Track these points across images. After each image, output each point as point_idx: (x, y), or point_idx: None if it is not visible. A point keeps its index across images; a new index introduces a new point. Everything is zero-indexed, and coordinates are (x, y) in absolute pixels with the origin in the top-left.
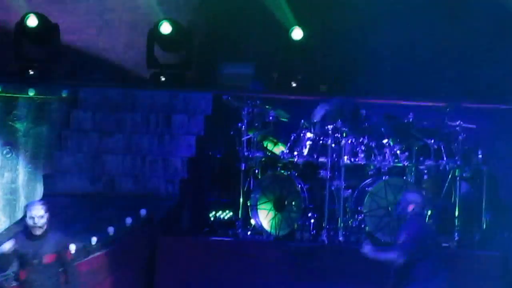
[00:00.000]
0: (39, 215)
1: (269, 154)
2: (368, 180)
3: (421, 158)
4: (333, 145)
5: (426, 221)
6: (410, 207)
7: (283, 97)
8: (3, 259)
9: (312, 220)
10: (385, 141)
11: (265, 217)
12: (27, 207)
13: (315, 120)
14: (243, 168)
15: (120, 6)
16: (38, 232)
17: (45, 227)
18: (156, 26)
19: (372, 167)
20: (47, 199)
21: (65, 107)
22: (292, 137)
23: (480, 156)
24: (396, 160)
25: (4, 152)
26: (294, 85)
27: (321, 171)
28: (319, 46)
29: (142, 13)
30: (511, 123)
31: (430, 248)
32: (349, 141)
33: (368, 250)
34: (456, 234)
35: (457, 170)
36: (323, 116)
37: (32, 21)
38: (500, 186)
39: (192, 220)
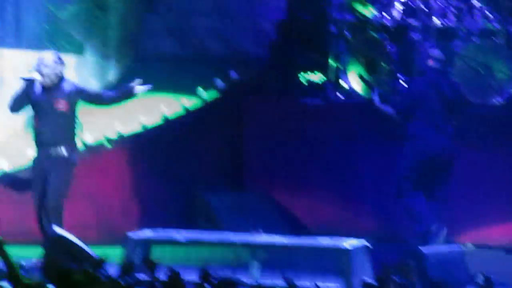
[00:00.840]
0: (44, 62)
1: (360, 16)
2: (458, 42)
3: None
4: (422, 6)
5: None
6: (430, 62)
7: None
8: (20, 96)
9: (403, 82)
10: (474, 1)
11: (355, 80)
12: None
13: None
14: (333, 31)
15: None
16: (45, 80)
17: (52, 78)
18: None
19: (462, 29)
20: (138, 63)
21: None
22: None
23: None
24: (486, 22)
25: (95, 14)
26: None
27: (412, 33)
28: None
29: None
30: None
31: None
32: (439, 2)
33: (376, 100)
34: None
35: None
36: None
37: None
38: None
39: (281, 82)
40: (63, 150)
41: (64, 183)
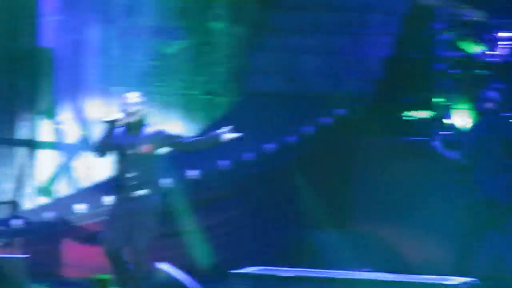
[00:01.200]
0: (131, 101)
1: (465, 54)
2: None
3: None
4: None
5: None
6: (488, 105)
7: None
8: (106, 141)
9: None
10: None
11: (462, 118)
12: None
13: None
14: (439, 68)
15: None
16: (130, 119)
17: (137, 117)
18: None
19: None
20: (245, 98)
21: (263, 8)
22: (488, 37)
23: None
24: None
25: (202, 51)
26: None
27: None
28: None
29: None
30: None
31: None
32: None
33: (437, 146)
34: None
35: None
36: None
37: None
38: None
39: (387, 120)
40: (147, 193)
41: (150, 228)
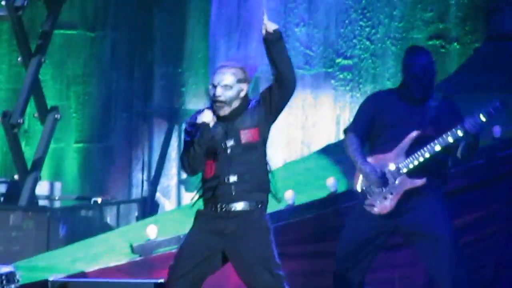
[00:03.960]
0: (223, 83)
1: None
2: None
3: None
4: None
5: None
6: None
7: None
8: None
9: None
10: None
11: None
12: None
13: None
14: None
15: None
16: (220, 111)
17: (235, 104)
18: None
19: None
20: (492, 44)
21: None
22: None
23: None
24: None
25: None
26: None
27: None
28: None
29: None
30: None
31: None
32: None
33: None
34: None
35: None
36: None
37: None
38: None
39: None
40: (248, 208)
41: (263, 256)
